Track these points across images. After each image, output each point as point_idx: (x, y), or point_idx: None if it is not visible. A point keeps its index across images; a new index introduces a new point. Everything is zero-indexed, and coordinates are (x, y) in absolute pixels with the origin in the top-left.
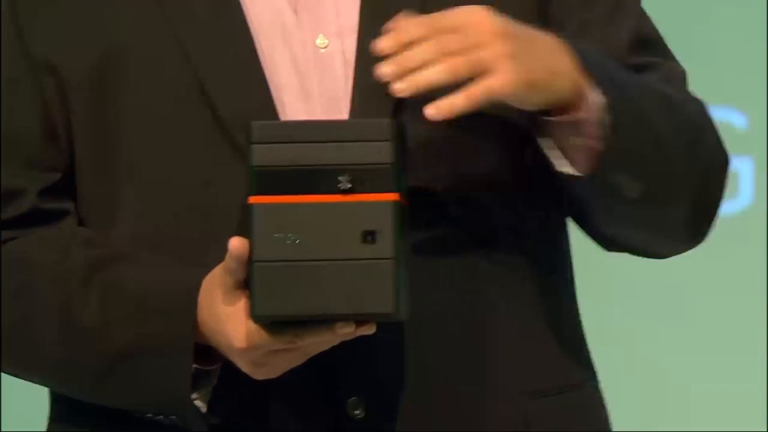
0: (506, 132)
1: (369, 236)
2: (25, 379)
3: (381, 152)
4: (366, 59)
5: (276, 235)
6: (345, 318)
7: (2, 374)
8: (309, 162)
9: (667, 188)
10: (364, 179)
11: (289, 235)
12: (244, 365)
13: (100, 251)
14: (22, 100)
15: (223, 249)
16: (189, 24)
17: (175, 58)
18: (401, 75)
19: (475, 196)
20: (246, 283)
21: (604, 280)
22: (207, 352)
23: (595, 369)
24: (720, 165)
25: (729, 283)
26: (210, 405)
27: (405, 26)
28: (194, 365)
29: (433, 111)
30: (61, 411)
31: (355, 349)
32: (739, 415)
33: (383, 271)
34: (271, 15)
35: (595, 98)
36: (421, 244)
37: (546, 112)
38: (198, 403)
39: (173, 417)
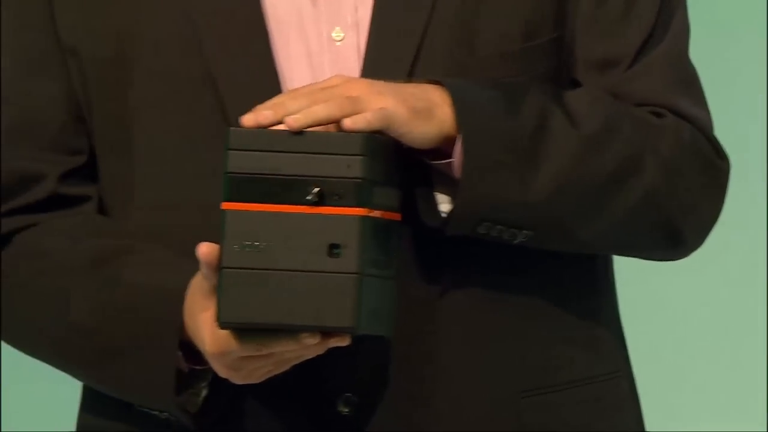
0: None
1: (334, 249)
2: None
3: (351, 166)
4: (376, 53)
5: (245, 243)
6: (306, 329)
7: (2, 375)
8: (281, 171)
9: (573, 229)
10: (333, 192)
11: (258, 243)
12: (219, 369)
13: (107, 242)
14: (48, 80)
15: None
16: (205, 11)
17: (190, 49)
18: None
19: None
20: None
21: None
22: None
23: (622, 361)
24: (707, 179)
25: (729, 283)
26: (204, 404)
27: (281, 100)
28: (189, 364)
29: (349, 123)
30: (90, 401)
31: (343, 347)
32: (739, 415)
33: (346, 286)
34: (289, 5)
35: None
36: (416, 234)
37: (434, 155)
38: (195, 399)
39: (165, 414)
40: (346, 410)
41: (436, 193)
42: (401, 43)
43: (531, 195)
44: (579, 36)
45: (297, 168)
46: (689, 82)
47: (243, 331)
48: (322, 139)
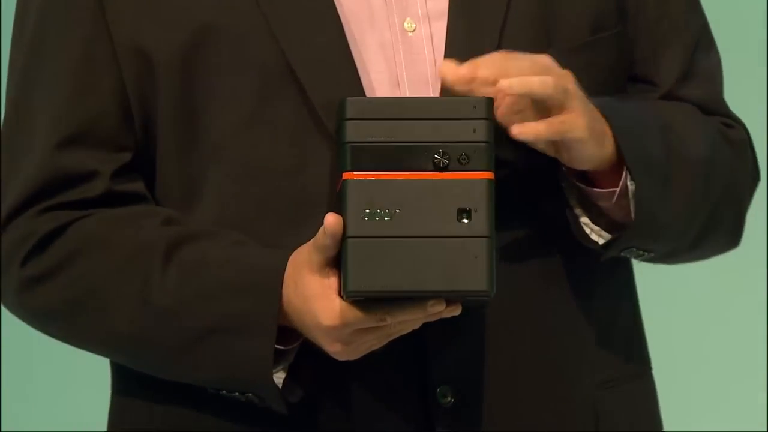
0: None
1: (464, 214)
2: (96, 353)
3: (478, 130)
4: (455, 44)
5: (369, 212)
6: (438, 295)
7: (2, 374)
8: (404, 138)
9: (692, 240)
10: (459, 157)
11: (383, 211)
12: (329, 344)
13: (180, 228)
14: (98, 79)
15: (309, 236)
16: (277, 4)
17: (264, 40)
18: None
19: (544, 199)
20: (336, 261)
21: None
22: (283, 332)
23: (650, 358)
24: (752, 188)
25: (729, 283)
26: (286, 383)
27: (497, 59)
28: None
29: (517, 130)
30: (127, 384)
31: (445, 338)
32: (739, 415)
33: (478, 249)
34: None
35: (626, 180)
36: (501, 240)
37: (583, 178)
38: (276, 380)
39: (249, 395)
40: (447, 401)
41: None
42: (481, 37)
43: (671, 223)
44: (640, 36)
45: (420, 134)
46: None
47: (367, 301)
48: (443, 104)
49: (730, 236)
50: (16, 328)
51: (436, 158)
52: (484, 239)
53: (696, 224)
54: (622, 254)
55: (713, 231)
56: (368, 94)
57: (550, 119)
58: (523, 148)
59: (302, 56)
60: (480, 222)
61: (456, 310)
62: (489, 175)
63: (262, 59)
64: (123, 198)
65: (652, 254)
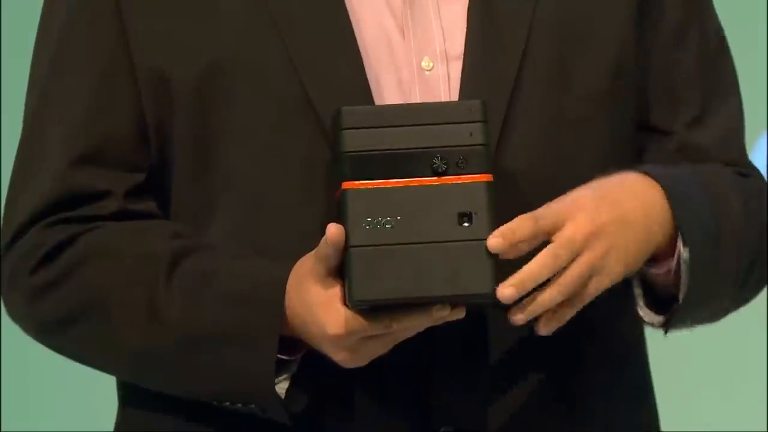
0: None
1: (465, 218)
2: (91, 366)
3: (474, 133)
4: (470, 86)
5: (370, 220)
6: (443, 300)
7: (2, 374)
8: (401, 145)
9: (734, 295)
10: (458, 161)
11: (384, 219)
12: (336, 353)
13: (186, 241)
14: (116, 99)
15: None
16: (298, 37)
17: (284, 73)
18: (526, 306)
19: None
20: (338, 270)
21: None
22: (286, 343)
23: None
24: None
25: None
26: (290, 392)
27: (515, 227)
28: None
29: (541, 326)
30: (134, 396)
31: (451, 380)
32: (739, 415)
33: (481, 252)
34: (378, 33)
35: (680, 249)
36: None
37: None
38: (279, 390)
39: (252, 406)
40: None
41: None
42: (497, 79)
43: (733, 282)
44: (653, 83)
45: (417, 140)
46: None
47: (372, 309)
48: (439, 109)
49: (760, 283)
50: (16, 328)
51: (435, 163)
52: (486, 242)
53: (741, 276)
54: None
55: (752, 283)
56: None
57: (576, 300)
58: (536, 155)
59: (321, 90)
60: (481, 225)
61: (461, 313)
62: (488, 177)
63: (281, 92)
64: (135, 217)
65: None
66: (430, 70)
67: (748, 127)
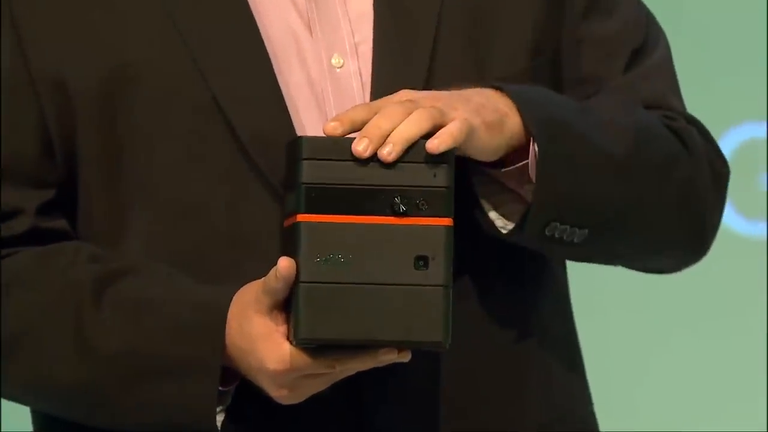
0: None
1: (421, 261)
2: (24, 403)
3: (438, 175)
4: (382, 80)
5: (323, 256)
6: (392, 345)
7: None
8: (362, 181)
9: (624, 225)
10: (419, 202)
11: (338, 256)
12: (273, 389)
13: (108, 265)
14: (19, 113)
15: (248, 275)
16: (203, 40)
17: (189, 76)
18: (378, 141)
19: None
20: (285, 303)
21: (602, 281)
22: (223, 372)
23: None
24: (713, 182)
25: (728, 283)
26: (223, 426)
27: (353, 111)
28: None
29: (434, 145)
30: (51, 427)
31: (386, 382)
32: (739, 415)
33: (435, 298)
34: (285, 32)
35: (534, 148)
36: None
37: (499, 164)
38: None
39: None
40: None
41: (482, 201)
42: (409, 70)
43: (598, 187)
44: (571, 53)
45: (378, 177)
46: (677, 87)
47: (317, 347)
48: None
49: (692, 237)
50: None
51: (395, 202)
52: (442, 288)
53: (636, 197)
54: (548, 233)
55: (661, 229)
56: (298, 131)
57: (437, 135)
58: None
59: (230, 93)
60: (437, 270)
61: (406, 357)
62: (448, 221)
63: (190, 97)
64: (48, 235)
65: (578, 234)
66: (340, 67)
67: (752, 119)
